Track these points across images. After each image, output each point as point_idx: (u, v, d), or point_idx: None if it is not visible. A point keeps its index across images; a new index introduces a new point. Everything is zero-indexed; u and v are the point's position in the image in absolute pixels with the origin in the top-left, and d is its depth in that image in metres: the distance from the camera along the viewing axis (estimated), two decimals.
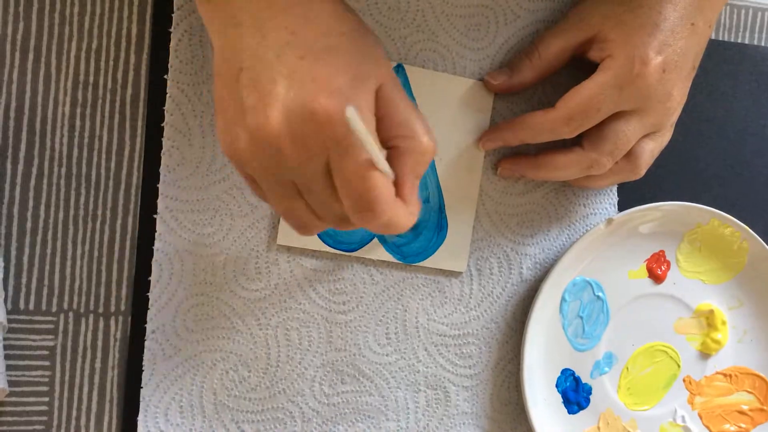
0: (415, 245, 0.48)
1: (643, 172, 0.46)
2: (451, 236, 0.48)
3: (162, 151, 0.45)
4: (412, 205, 0.35)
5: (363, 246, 0.47)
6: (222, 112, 0.34)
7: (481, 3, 0.48)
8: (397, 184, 0.34)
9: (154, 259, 0.45)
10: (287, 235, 0.46)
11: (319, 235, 0.46)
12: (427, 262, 0.48)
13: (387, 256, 0.47)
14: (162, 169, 0.45)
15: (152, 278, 0.45)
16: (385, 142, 0.35)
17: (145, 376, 0.45)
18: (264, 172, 0.34)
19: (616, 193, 0.51)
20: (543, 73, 0.46)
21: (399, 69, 0.47)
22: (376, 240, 0.47)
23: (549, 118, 0.43)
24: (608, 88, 0.42)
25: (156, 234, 0.45)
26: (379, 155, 0.32)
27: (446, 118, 0.48)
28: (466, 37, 0.48)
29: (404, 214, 0.34)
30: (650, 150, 0.45)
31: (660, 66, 0.41)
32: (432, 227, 0.48)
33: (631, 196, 0.51)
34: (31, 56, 0.45)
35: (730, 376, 0.52)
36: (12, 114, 0.44)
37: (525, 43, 0.49)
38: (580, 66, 0.45)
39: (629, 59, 0.41)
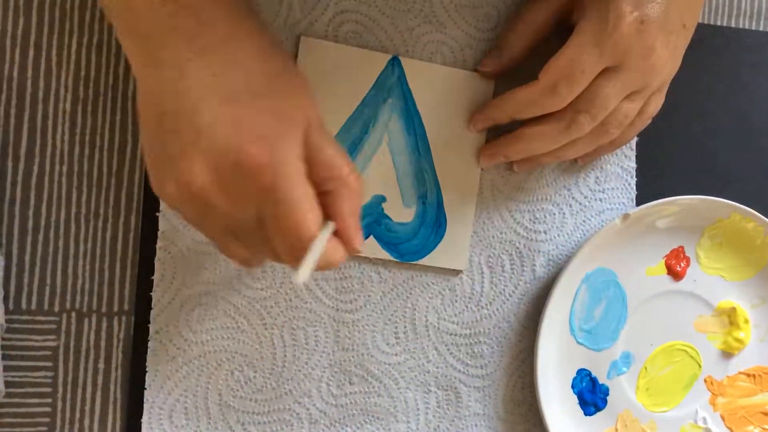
0: (413, 243, 0.46)
1: (613, 132, 0.44)
2: (450, 233, 0.47)
3: None
4: (360, 244, 0.35)
5: None
6: (148, 153, 0.34)
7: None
8: (339, 227, 0.34)
9: (156, 258, 0.44)
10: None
11: None
12: (426, 261, 0.47)
13: (383, 254, 0.46)
14: None
15: (155, 277, 0.44)
16: (317, 187, 0.34)
17: (148, 377, 0.44)
18: (195, 218, 0.34)
19: (634, 188, 0.50)
20: (530, 41, 0.45)
21: (394, 61, 0.45)
22: (372, 238, 0.46)
23: (534, 89, 0.42)
24: (587, 47, 0.40)
25: (159, 232, 0.44)
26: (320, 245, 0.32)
27: (444, 110, 0.46)
28: (474, 28, 0.47)
29: (341, 255, 0.34)
30: (625, 110, 0.43)
31: (637, 19, 0.40)
32: (430, 224, 0.47)
33: (649, 190, 0.50)
34: (31, 52, 0.44)
35: (754, 376, 0.51)
36: (12, 111, 0.44)
37: None
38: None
39: (604, 16, 0.40)
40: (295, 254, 0.32)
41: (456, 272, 0.47)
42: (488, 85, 0.47)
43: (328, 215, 0.34)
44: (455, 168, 0.47)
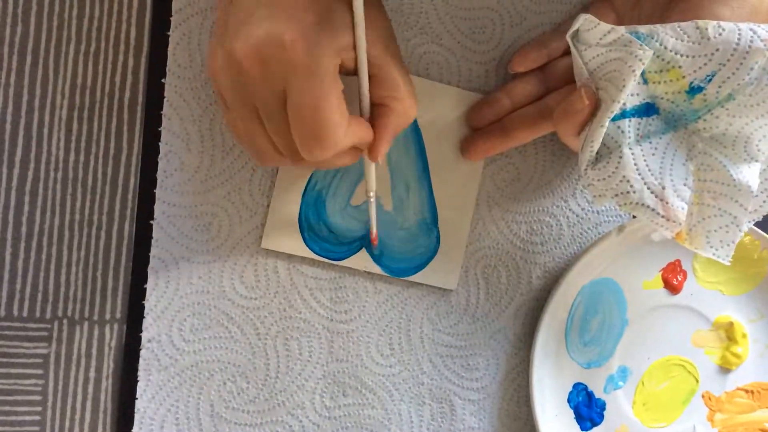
0: (405, 259, 0.46)
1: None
2: (443, 251, 0.47)
3: (159, 156, 0.44)
4: (382, 158, 0.40)
5: (350, 255, 0.46)
6: (215, 31, 0.38)
7: (486, 5, 0.47)
8: (376, 136, 0.39)
9: (150, 266, 0.44)
10: (272, 239, 0.45)
11: (305, 242, 0.45)
12: (416, 278, 0.46)
13: (375, 269, 0.46)
14: (159, 174, 0.44)
15: (148, 286, 0.44)
16: (375, 100, 0.39)
17: (140, 387, 0.44)
18: (232, 90, 0.37)
19: None
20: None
21: None
22: (363, 251, 0.46)
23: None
24: None
25: (152, 240, 0.44)
26: (366, 82, 0.38)
27: (441, 128, 0.46)
28: (470, 40, 0.47)
29: (349, 160, 0.39)
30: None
31: None
32: (423, 242, 0.46)
33: None
34: (28, 59, 0.44)
35: (752, 392, 0.50)
36: (8, 117, 0.44)
37: None
38: None
39: None
40: (306, 136, 0.36)
41: (445, 291, 0.47)
42: None
43: (375, 124, 0.39)
44: (452, 186, 0.47)
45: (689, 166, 0.38)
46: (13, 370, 0.43)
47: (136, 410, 0.44)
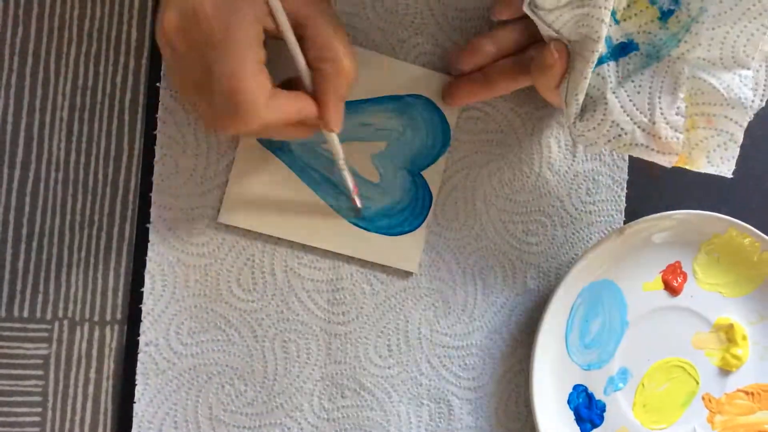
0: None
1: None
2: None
3: (155, 159, 0.45)
4: (336, 125, 0.40)
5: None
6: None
7: (482, 5, 0.47)
8: (320, 104, 0.38)
9: (146, 270, 0.44)
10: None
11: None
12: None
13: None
14: (155, 178, 0.44)
15: (145, 289, 0.44)
16: (309, 64, 0.38)
17: (138, 390, 0.44)
18: (172, 62, 0.38)
19: (624, 200, 0.50)
20: None
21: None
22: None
23: None
24: None
25: (149, 244, 0.44)
26: (295, 48, 0.37)
27: None
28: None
29: (274, 119, 0.37)
30: None
31: None
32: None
33: (643, 204, 0.50)
34: (29, 60, 0.44)
35: (752, 394, 0.50)
36: (9, 118, 0.44)
37: None
38: None
39: None
40: (227, 110, 0.36)
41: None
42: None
43: (316, 92, 0.38)
44: None
45: (679, 94, 0.38)
46: (13, 371, 0.44)
47: (134, 414, 0.44)
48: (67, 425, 0.44)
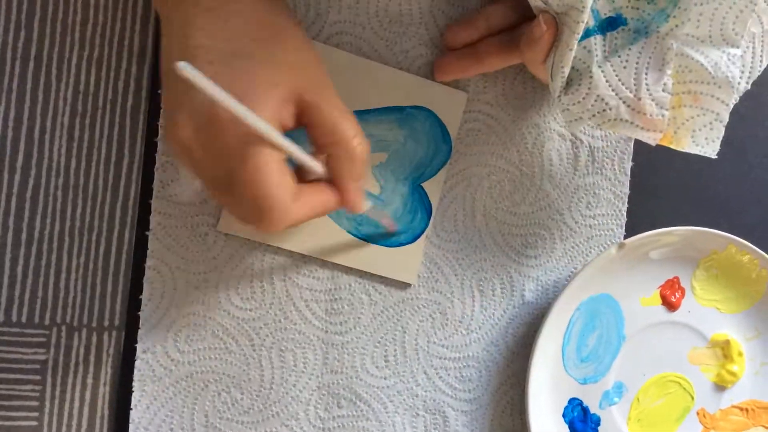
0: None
1: None
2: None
3: (156, 166, 0.44)
4: (360, 207, 0.39)
5: None
6: (164, 102, 0.37)
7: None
8: (340, 191, 0.38)
9: (145, 277, 0.44)
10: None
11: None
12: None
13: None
14: (155, 185, 0.44)
15: (143, 296, 0.44)
16: (320, 150, 0.37)
17: (134, 397, 0.44)
18: (189, 165, 0.36)
19: (624, 214, 0.50)
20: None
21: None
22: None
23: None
24: None
25: (148, 251, 0.44)
26: (279, 139, 0.34)
27: None
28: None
29: (302, 217, 0.36)
30: None
31: None
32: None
33: (643, 220, 0.50)
34: (31, 65, 0.44)
35: (747, 410, 0.50)
36: (10, 123, 0.44)
37: None
38: None
39: None
40: (254, 216, 0.34)
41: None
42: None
43: (333, 178, 0.37)
44: None
45: (666, 71, 0.38)
46: (10, 376, 0.44)
47: (130, 421, 0.44)
48: (64, 430, 0.44)
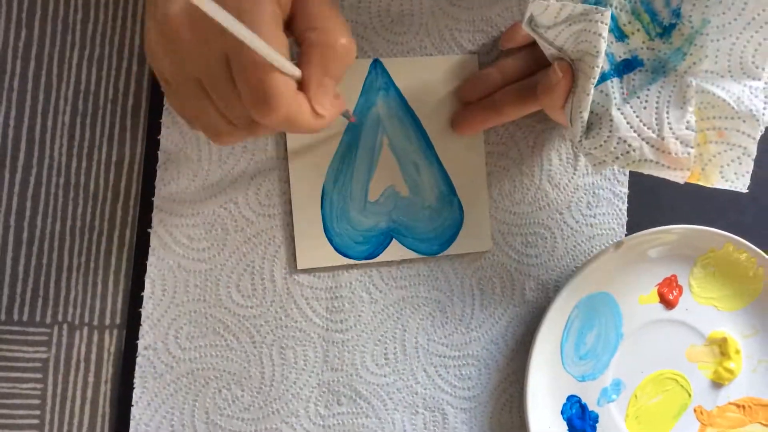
0: (434, 235, 0.47)
1: None
2: (469, 217, 0.47)
3: (157, 165, 0.45)
4: (321, 106, 0.34)
5: (383, 250, 0.46)
6: (147, 8, 0.34)
7: (486, 17, 0.47)
8: (303, 81, 0.33)
9: (147, 275, 0.45)
10: (306, 258, 0.45)
11: (339, 251, 0.46)
12: (452, 249, 0.47)
13: (409, 254, 0.46)
14: (157, 183, 0.45)
15: (145, 294, 0.45)
16: (297, 38, 0.34)
17: (135, 394, 0.44)
18: (171, 65, 0.33)
19: (625, 213, 0.50)
20: None
21: (376, 64, 0.46)
22: (394, 241, 0.46)
23: None
24: None
25: (149, 249, 0.44)
26: (266, 49, 0.30)
27: (435, 99, 0.46)
28: (471, 50, 0.47)
29: (306, 111, 0.33)
30: None
31: None
32: (447, 214, 0.47)
33: (642, 218, 0.50)
34: (32, 64, 0.44)
35: (743, 407, 0.50)
36: (11, 122, 0.44)
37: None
38: None
39: None
40: (255, 100, 0.32)
41: (481, 254, 0.48)
42: (474, 64, 0.47)
43: (300, 66, 0.33)
44: (458, 153, 0.47)
45: (688, 108, 0.38)
46: (12, 374, 0.44)
47: (131, 417, 0.44)
48: (65, 428, 0.44)
